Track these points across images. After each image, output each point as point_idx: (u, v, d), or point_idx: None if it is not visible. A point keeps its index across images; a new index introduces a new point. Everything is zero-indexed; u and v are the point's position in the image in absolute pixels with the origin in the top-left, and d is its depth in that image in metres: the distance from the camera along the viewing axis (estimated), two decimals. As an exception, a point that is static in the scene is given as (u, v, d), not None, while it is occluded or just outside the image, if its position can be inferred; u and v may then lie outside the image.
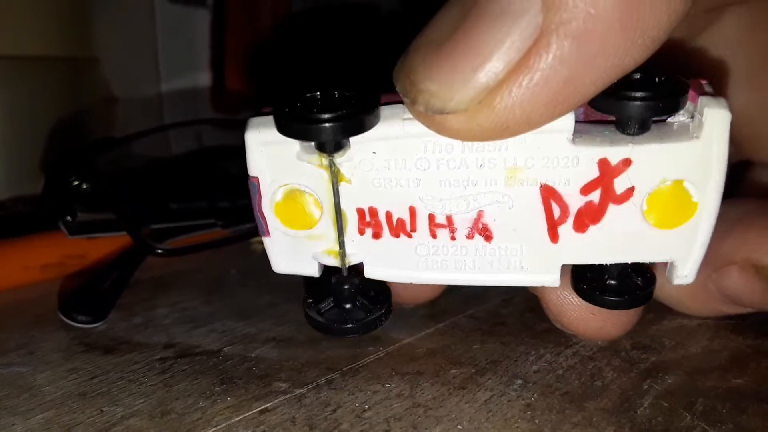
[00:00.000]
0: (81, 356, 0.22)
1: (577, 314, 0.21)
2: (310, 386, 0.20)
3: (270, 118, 0.18)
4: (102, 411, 0.19)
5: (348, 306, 0.21)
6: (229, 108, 0.53)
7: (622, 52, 0.14)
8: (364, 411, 0.19)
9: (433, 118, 0.15)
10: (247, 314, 0.26)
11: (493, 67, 0.14)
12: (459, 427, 0.18)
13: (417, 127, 0.17)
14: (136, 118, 0.49)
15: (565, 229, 0.18)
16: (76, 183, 0.28)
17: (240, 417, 0.18)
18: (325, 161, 0.18)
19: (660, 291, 0.22)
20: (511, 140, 0.17)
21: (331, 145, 0.18)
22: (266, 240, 0.20)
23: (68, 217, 0.28)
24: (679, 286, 0.19)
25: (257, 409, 0.19)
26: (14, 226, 0.32)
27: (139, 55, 0.49)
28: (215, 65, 0.52)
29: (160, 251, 0.28)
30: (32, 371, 0.21)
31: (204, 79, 0.52)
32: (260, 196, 0.19)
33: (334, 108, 0.17)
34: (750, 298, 0.21)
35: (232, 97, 0.52)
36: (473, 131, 0.15)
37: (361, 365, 0.21)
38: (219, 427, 0.18)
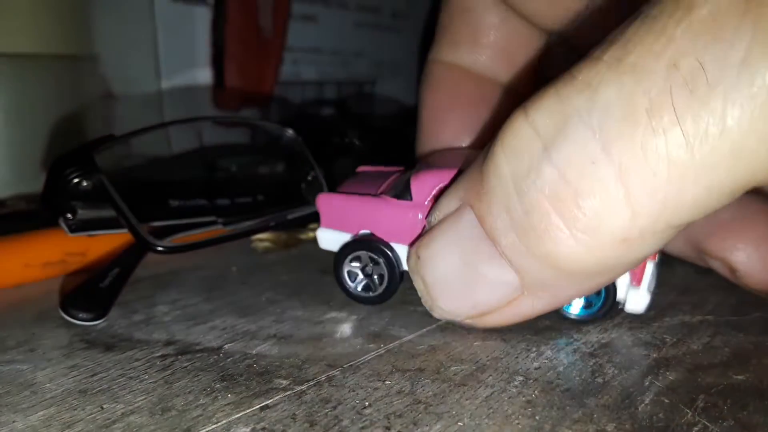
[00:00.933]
0: (81, 353, 0.22)
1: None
2: (311, 383, 0.20)
3: None
4: (102, 408, 0.19)
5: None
6: (229, 106, 0.53)
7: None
8: (365, 408, 0.19)
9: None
10: (247, 311, 0.26)
11: (486, 307, 0.21)
12: (460, 423, 0.18)
13: None
14: (136, 115, 0.49)
15: None
16: (76, 180, 0.27)
17: (240, 414, 0.18)
18: None
19: None
20: None
21: None
22: None
23: (69, 215, 0.28)
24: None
25: (258, 406, 0.19)
26: (15, 223, 0.32)
27: (138, 53, 0.49)
28: (215, 63, 0.52)
29: (160, 249, 0.28)
30: (33, 368, 0.21)
31: (204, 76, 0.52)
32: None
33: None
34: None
35: (232, 94, 0.52)
36: (477, 326, 0.22)
37: (362, 362, 0.21)
38: (219, 423, 0.18)
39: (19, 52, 0.40)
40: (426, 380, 0.20)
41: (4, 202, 0.39)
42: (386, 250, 0.25)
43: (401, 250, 0.25)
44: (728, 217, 0.25)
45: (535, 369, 0.21)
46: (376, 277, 0.26)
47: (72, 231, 0.28)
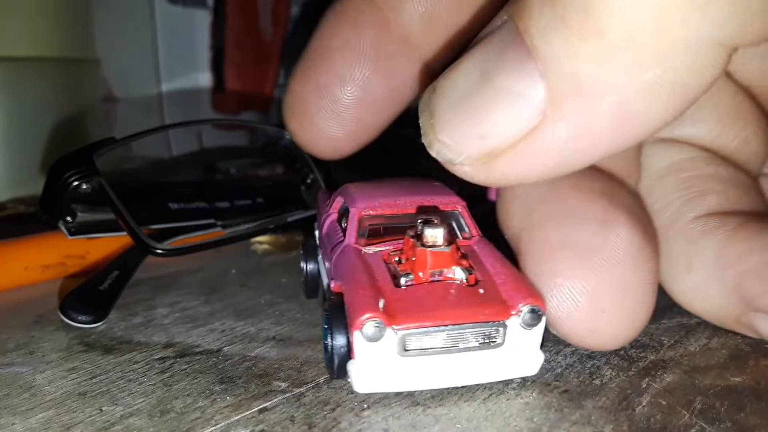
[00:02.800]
0: (81, 356, 0.22)
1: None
2: (309, 385, 0.20)
3: None
4: (101, 410, 0.19)
5: None
6: (228, 108, 0.53)
7: (612, 148, 0.16)
8: (363, 410, 0.19)
9: (443, 161, 0.18)
10: (246, 314, 0.26)
11: (498, 139, 0.16)
12: (458, 426, 0.18)
13: None
14: (136, 118, 0.49)
15: None
16: (76, 183, 0.27)
17: (239, 416, 0.18)
18: None
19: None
20: None
21: None
22: None
23: (68, 218, 0.28)
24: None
25: (256, 408, 0.19)
26: (15, 226, 0.32)
27: (139, 56, 0.49)
28: (215, 66, 0.52)
29: (160, 251, 0.28)
30: (32, 371, 0.21)
31: (204, 79, 0.52)
32: None
33: None
34: None
35: (232, 97, 0.52)
36: (476, 180, 0.18)
37: (360, 364, 0.21)
38: (218, 426, 0.18)
39: (20, 56, 0.40)
40: (424, 382, 0.20)
41: (4, 204, 0.39)
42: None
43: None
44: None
45: (533, 371, 0.21)
46: None
47: (71, 234, 0.29)
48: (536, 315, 0.19)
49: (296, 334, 0.24)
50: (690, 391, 0.20)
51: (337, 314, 0.19)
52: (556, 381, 0.20)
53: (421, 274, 0.20)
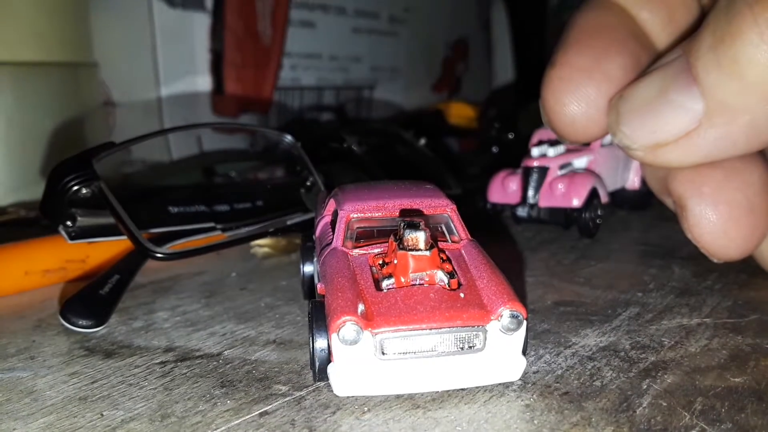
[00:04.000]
0: (82, 360, 0.22)
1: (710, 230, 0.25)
2: (310, 388, 0.20)
3: None
4: (102, 415, 0.19)
5: None
6: (228, 112, 0.53)
7: (747, 149, 0.22)
8: (364, 413, 0.19)
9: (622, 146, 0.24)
10: (246, 317, 0.26)
11: (664, 136, 0.22)
12: (458, 428, 0.18)
13: None
14: (135, 122, 0.49)
15: None
16: (76, 188, 0.28)
17: (240, 420, 0.18)
18: None
19: None
20: None
21: None
22: None
23: (68, 222, 0.29)
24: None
25: (257, 412, 0.19)
26: (16, 231, 0.32)
27: (138, 60, 0.49)
28: (214, 69, 0.52)
29: (160, 255, 0.28)
30: (33, 376, 0.21)
31: (203, 83, 0.52)
32: None
33: None
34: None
35: (231, 100, 0.52)
36: (643, 161, 0.23)
37: (361, 367, 0.21)
38: (219, 430, 0.18)
39: (20, 60, 0.40)
40: (425, 385, 0.20)
41: (4, 209, 0.39)
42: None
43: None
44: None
45: (534, 373, 0.21)
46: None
47: (72, 238, 0.29)
48: (516, 320, 0.19)
49: (296, 337, 0.24)
50: (690, 392, 0.20)
51: (319, 317, 0.19)
52: (557, 383, 0.20)
53: (402, 278, 0.20)
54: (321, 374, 0.19)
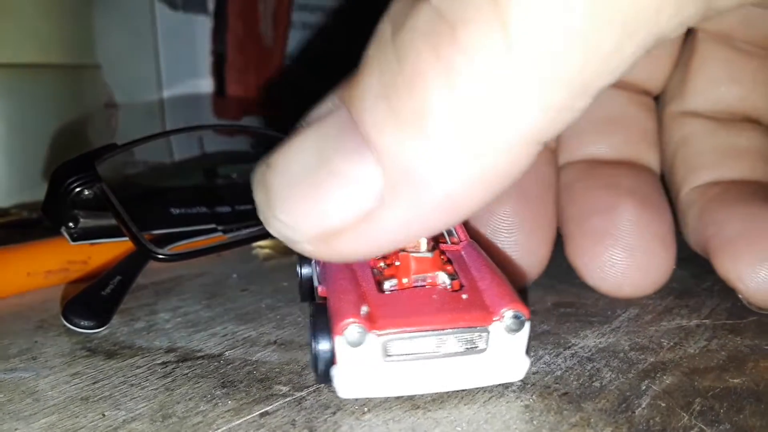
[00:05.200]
0: (83, 361, 0.22)
1: None
2: (311, 389, 0.20)
3: None
4: (104, 415, 0.19)
5: None
6: (230, 114, 0.53)
7: (442, 228, 0.17)
8: (364, 413, 0.19)
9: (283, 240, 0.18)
10: (247, 318, 0.26)
11: (336, 220, 0.16)
12: (458, 429, 0.18)
13: None
14: (137, 124, 0.49)
15: None
16: (78, 189, 0.28)
17: (241, 420, 0.19)
18: None
19: None
20: None
21: None
22: None
23: (71, 224, 0.29)
24: None
25: (258, 413, 0.19)
26: (18, 232, 0.32)
27: (140, 62, 0.50)
28: (216, 71, 0.52)
29: (161, 256, 0.28)
30: (35, 376, 0.21)
31: (205, 85, 0.52)
32: None
33: None
34: None
35: (233, 103, 0.53)
36: (318, 257, 0.18)
37: (361, 368, 0.21)
38: (220, 430, 0.18)
39: (21, 62, 0.40)
40: (424, 386, 0.20)
41: (6, 210, 0.39)
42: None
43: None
44: (735, 232, 0.25)
45: (533, 374, 0.21)
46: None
47: (74, 239, 0.29)
48: (519, 320, 0.19)
49: (297, 338, 0.24)
50: (689, 393, 0.20)
51: (321, 319, 0.19)
52: (556, 383, 0.20)
53: (405, 279, 0.20)
54: (324, 377, 0.19)
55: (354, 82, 0.16)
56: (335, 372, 0.19)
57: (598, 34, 0.14)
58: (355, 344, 0.18)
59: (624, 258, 0.26)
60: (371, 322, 0.18)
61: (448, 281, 0.20)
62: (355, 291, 0.19)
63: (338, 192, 0.16)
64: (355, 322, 0.18)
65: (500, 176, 0.16)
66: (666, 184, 0.30)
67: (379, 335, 0.18)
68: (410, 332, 0.18)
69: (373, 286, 0.20)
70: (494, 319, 0.19)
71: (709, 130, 0.29)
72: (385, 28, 0.16)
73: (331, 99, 0.17)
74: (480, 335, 0.19)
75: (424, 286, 0.20)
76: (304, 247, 0.17)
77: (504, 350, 0.19)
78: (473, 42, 0.14)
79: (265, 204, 0.18)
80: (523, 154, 0.15)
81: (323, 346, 0.19)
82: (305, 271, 0.26)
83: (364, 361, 0.18)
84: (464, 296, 0.19)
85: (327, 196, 0.16)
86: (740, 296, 0.26)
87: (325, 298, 0.20)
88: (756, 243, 0.25)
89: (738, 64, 0.29)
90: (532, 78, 0.14)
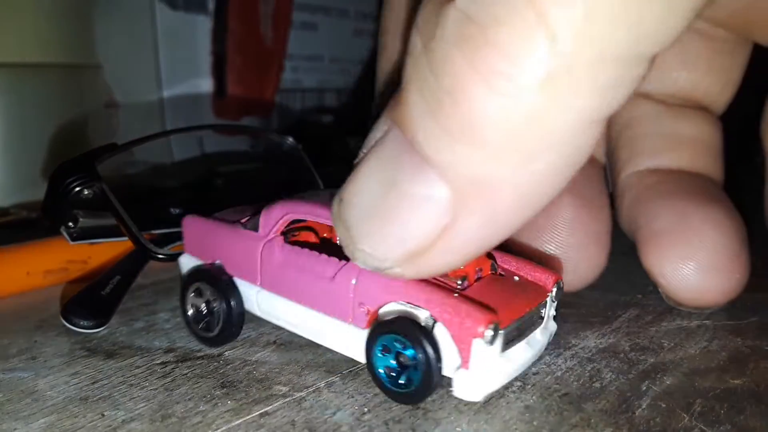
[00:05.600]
0: (83, 361, 0.22)
1: None
2: (310, 389, 0.20)
3: None
4: (103, 415, 0.19)
5: None
6: (230, 114, 0.53)
7: (520, 223, 0.17)
8: (364, 414, 0.19)
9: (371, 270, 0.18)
10: (247, 318, 0.26)
11: (417, 241, 0.17)
12: (458, 429, 0.18)
13: None
14: (137, 124, 0.49)
15: None
16: (78, 189, 0.28)
17: (240, 420, 0.19)
18: None
19: None
20: None
21: None
22: None
23: (70, 223, 0.29)
24: None
25: (257, 413, 0.19)
26: (17, 232, 0.32)
27: (140, 62, 0.50)
28: (216, 71, 0.52)
29: (161, 256, 0.28)
30: (34, 376, 0.21)
31: (205, 85, 0.52)
32: None
33: None
34: None
35: (233, 103, 0.53)
36: (409, 277, 0.18)
37: (361, 368, 0.21)
38: (219, 430, 0.18)
39: (22, 62, 0.40)
40: (424, 386, 0.20)
41: (6, 210, 0.39)
42: (226, 284, 0.23)
43: (245, 289, 0.23)
44: (663, 227, 0.25)
45: (533, 374, 0.21)
46: (215, 314, 0.23)
47: (73, 239, 0.29)
48: (561, 289, 0.21)
49: (297, 338, 0.24)
50: (690, 394, 0.20)
51: (432, 330, 0.18)
52: (557, 384, 0.20)
53: (470, 275, 0.20)
54: (434, 388, 0.19)
55: (400, 101, 0.16)
56: (466, 376, 0.18)
57: (641, 5, 0.13)
58: (491, 342, 0.18)
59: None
60: (494, 318, 0.18)
61: (496, 270, 0.21)
62: (449, 294, 0.19)
63: (411, 215, 0.16)
64: (492, 321, 0.18)
65: (566, 165, 0.15)
66: (608, 164, 0.30)
67: (503, 328, 0.19)
68: (517, 319, 0.19)
69: (447, 287, 0.20)
70: (548, 292, 0.21)
71: (656, 115, 0.28)
72: (415, 41, 0.16)
73: (383, 120, 0.17)
74: (543, 308, 0.21)
75: (482, 277, 0.21)
76: (394, 272, 0.18)
77: (550, 315, 0.21)
78: (512, 42, 0.14)
79: (347, 239, 0.18)
80: (585, 138, 0.15)
81: (444, 354, 0.18)
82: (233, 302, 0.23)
83: (492, 357, 0.19)
84: (516, 278, 0.21)
85: (402, 221, 0.16)
86: (660, 290, 0.26)
87: (377, 317, 0.19)
88: (681, 241, 0.25)
89: (693, 47, 0.28)
90: (581, 63, 0.14)
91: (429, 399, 0.19)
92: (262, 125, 0.56)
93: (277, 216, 0.22)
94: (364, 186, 0.17)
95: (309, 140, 0.38)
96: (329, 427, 0.18)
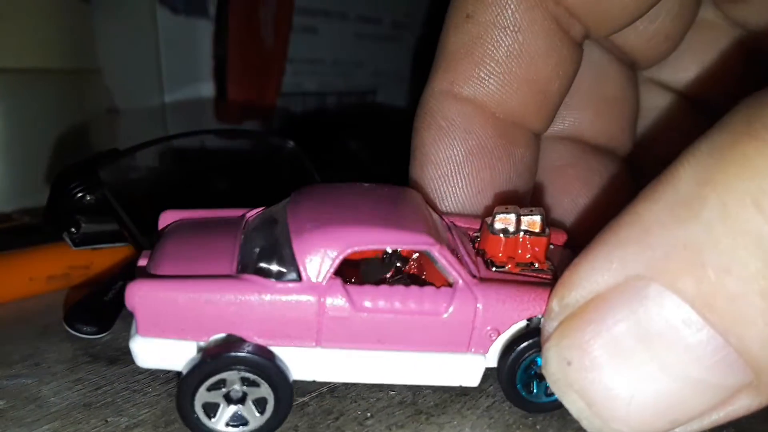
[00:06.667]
0: (86, 367, 0.22)
1: None
2: (313, 394, 0.20)
3: None
4: (107, 421, 0.19)
5: None
6: (231, 118, 0.53)
7: None
8: (367, 419, 0.19)
9: None
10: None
11: (692, 421, 0.16)
12: (461, 433, 0.18)
13: None
14: (139, 129, 0.49)
15: None
16: (80, 195, 0.28)
17: (243, 426, 0.19)
18: None
19: None
20: None
21: None
22: None
23: (73, 229, 0.29)
24: None
25: (260, 418, 0.19)
26: (20, 237, 0.32)
27: (141, 67, 0.50)
28: (217, 76, 0.52)
29: (163, 261, 0.28)
30: (38, 382, 0.21)
31: (206, 89, 0.52)
32: None
33: None
34: None
35: (235, 107, 0.53)
36: None
37: (364, 373, 0.21)
38: (222, 436, 0.18)
39: (23, 67, 0.41)
40: (427, 390, 0.20)
41: (8, 216, 0.39)
42: (268, 362, 0.18)
43: (289, 355, 0.18)
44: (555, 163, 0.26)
45: (536, 378, 0.21)
46: (252, 402, 0.18)
47: (76, 245, 0.29)
48: None
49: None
50: (693, 397, 0.20)
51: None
52: (559, 388, 0.20)
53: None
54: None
55: (694, 266, 0.14)
56: None
57: None
58: None
59: None
60: None
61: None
62: None
63: (699, 398, 0.15)
64: None
65: None
66: None
67: None
68: None
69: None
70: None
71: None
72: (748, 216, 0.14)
73: (607, 264, 0.15)
74: None
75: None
76: None
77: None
78: None
79: (593, 415, 0.16)
80: None
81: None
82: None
83: None
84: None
85: (682, 404, 0.15)
86: None
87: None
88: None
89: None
90: None
91: (431, 404, 0.19)
92: (263, 129, 0.56)
93: (332, 254, 0.17)
94: (619, 358, 0.15)
95: (310, 143, 0.38)
96: (332, 432, 0.18)
